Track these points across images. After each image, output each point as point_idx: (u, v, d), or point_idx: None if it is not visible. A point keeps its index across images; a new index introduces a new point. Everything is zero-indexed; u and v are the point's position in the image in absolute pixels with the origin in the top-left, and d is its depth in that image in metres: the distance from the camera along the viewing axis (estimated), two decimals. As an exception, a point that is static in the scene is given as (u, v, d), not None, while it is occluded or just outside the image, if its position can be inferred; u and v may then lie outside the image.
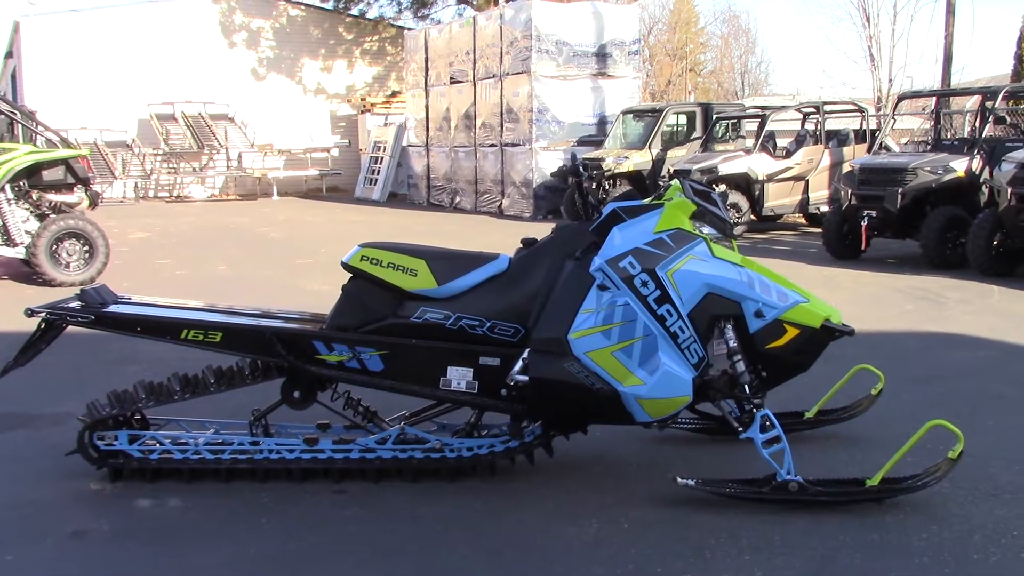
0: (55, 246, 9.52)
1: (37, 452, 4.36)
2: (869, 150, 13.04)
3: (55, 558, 3.31)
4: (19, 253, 9.55)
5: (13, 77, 26.68)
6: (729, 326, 3.67)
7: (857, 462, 4.12)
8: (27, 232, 9.56)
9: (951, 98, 14.37)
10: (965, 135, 12.26)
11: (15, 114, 10.42)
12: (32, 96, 22.75)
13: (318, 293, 8.52)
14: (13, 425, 4.83)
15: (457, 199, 20.80)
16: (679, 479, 3.66)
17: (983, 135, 10.78)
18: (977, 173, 10.38)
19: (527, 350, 3.72)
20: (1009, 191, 9.16)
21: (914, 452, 3.68)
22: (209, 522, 3.60)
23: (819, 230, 12.37)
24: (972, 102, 13.79)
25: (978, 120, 11.55)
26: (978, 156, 10.41)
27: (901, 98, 13.39)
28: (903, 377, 5.55)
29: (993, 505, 3.67)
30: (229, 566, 3.24)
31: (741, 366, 3.68)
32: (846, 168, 12.61)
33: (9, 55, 27.76)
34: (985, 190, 10.32)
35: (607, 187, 15.39)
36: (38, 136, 10.60)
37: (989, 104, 11.13)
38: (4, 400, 5.17)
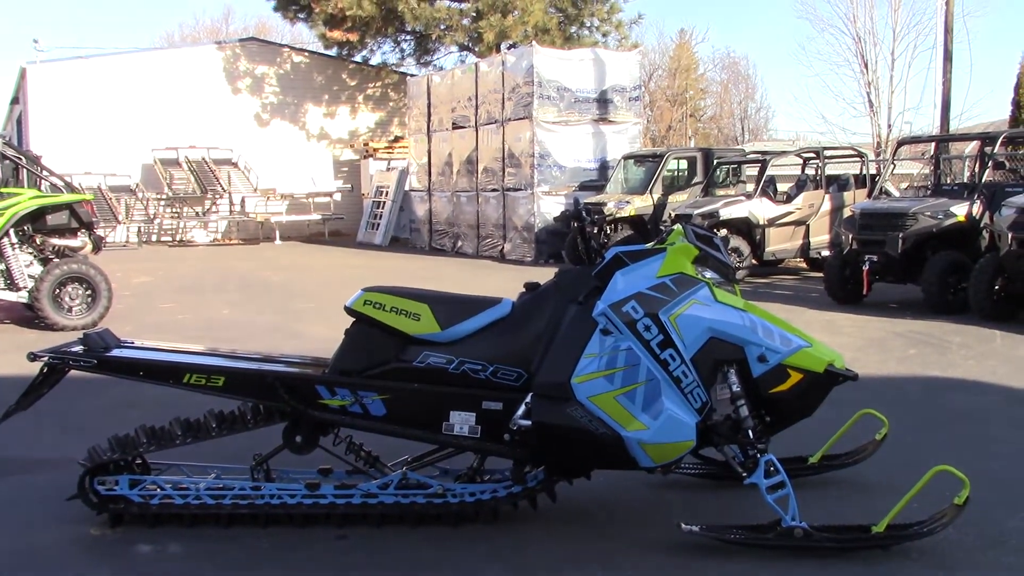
0: (58, 290, 9.53)
1: (38, 497, 4.34)
2: (869, 195, 13.09)
3: (54, 605, 3.28)
4: (22, 297, 9.57)
5: (19, 122, 26.90)
6: (732, 371, 3.67)
7: (862, 508, 4.09)
8: (30, 276, 9.57)
9: (950, 143, 14.47)
10: (965, 180, 12.32)
11: (20, 159, 10.49)
12: (37, 141, 22.91)
13: (320, 337, 8.50)
14: (14, 470, 4.81)
15: (459, 243, 20.87)
16: (683, 525, 3.63)
17: (983, 180, 10.84)
18: (977, 218, 10.42)
19: (530, 395, 3.70)
20: (1010, 236, 9.18)
21: (920, 498, 3.65)
22: (209, 569, 3.57)
23: (820, 275, 12.39)
24: (971, 147, 13.90)
25: (977, 165, 11.63)
26: (978, 201, 10.45)
27: (901, 143, 13.48)
28: (907, 422, 5.52)
29: (1000, 552, 3.64)
30: (229, 613, 3.21)
31: (745, 411, 3.66)
32: (847, 213, 12.67)
33: (15, 101, 28.01)
34: (986, 235, 10.35)
35: (609, 232, 15.45)
36: (43, 181, 10.66)
37: (988, 149, 11.20)
38: (5, 445, 5.15)
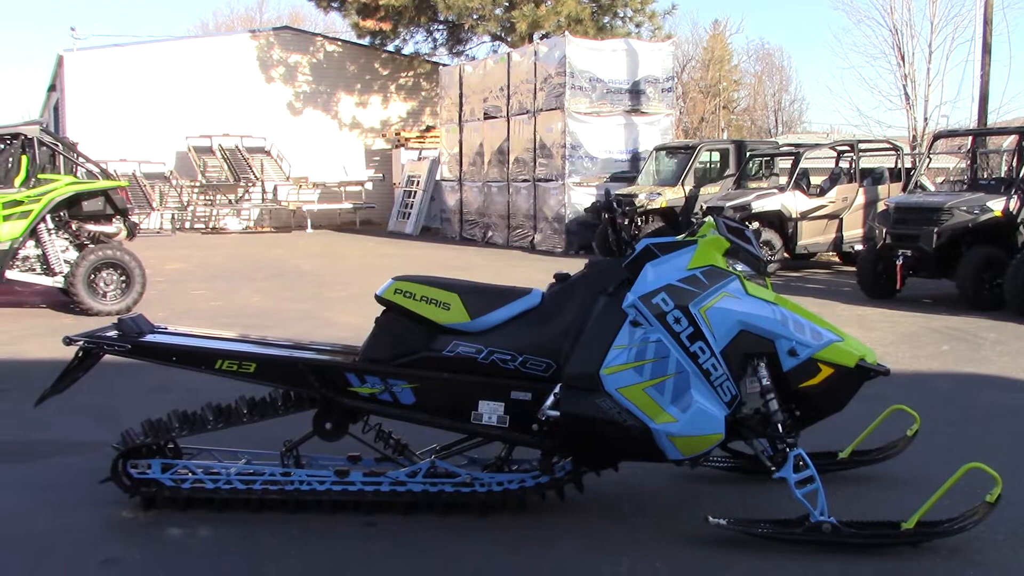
0: (93, 276, 9.65)
1: (71, 479, 4.40)
2: (904, 189, 12.96)
3: (87, 585, 3.33)
4: (58, 282, 9.70)
5: (56, 109, 27.22)
6: (762, 364, 3.65)
7: (892, 504, 4.06)
8: (66, 262, 9.70)
9: (987, 137, 14.27)
10: (1002, 175, 12.16)
11: (57, 146, 10.60)
12: (73, 128, 23.16)
13: (351, 325, 8.55)
14: (49, 452, 4.88)
15: (489, 233, 20.88)
16: (711, 518, 3.63)
17: (1020, 175, 10.68)
18: (1014, 213, 10.27)
19: (559, 385, 3.71)
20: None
21: (950, 495, 3.62)
22: (239, 553, 3.60)
23: (853, 269, 12.29)
24: (1009, 141, 13.70)
25: (1015, 160, 11.45)
26: (1015, 196, 10.30)
27: (937, 137, 13.31)
28: (939, 418, 5.47)
29: (1032, 551, 3.60)
30: (258, 597, 3.24)
31: (774, 404, 3.65)
32: (881, 207, 12.53)
33: (52, 88, 28.33)
34: (1022, 230, 10.21)
35: (640, 223, 15.39)
36: (79, 167, 10.78)
37: (1026, 144, 11.02)
38: (40, 427, 5.23)
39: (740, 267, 3.81)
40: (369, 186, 26.31)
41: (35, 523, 3.90)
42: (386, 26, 26.26)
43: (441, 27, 27.43)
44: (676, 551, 3.61)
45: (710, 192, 15.56)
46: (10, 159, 9.81)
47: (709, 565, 3.48)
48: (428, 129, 26.53)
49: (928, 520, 3.59)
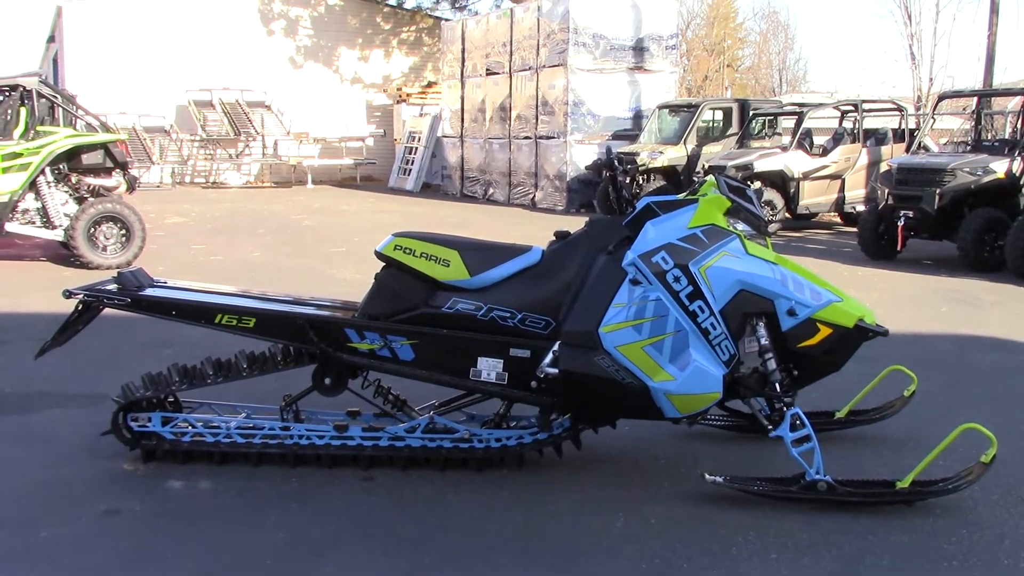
0: (93, 229, 9.63)
1: (72, 431, 4.43)
2: (907, 150, 12.89)
3: (87, 536, 3.37)
4: (58, 235, 9.69)
5: (55, 61, 26.99)
6: (761, 324, 3.66)
7: (888, 463, 4.09)
8: (66, 215, 9.69)
9: (992, 98, 14.18)
10: (1006, 136, 12.09)
11: (56, 98, 10.53)
12: (73, 80, 22.96)
13: (350, 281, 8.56)
14: (49, 404, 4.90)
15: (490, 191, 20.80)
16: (707, 476, 3.65)
17: (1024, 136, 10.62)
18: (1017, 175, 10.23)
19: (558, 343, 3.72)
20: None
21: (946, 455, 3.64)
22: (238, 505, 3.63)
23: (854, 229, 12.26)
24: (1014, 103, 13.60)
25: (1020, 121, 11.39)
26: (1019, 158, 10.26)
27: (941, 97, 13.22)
28: (936, 379, 5.49)
29: (1025, 511, 3.63)
30: (257, 549, 3.28)
31: (772, 364, 3.66)
32: (884, 167, 12.48)
33: (51, 39, 28.08)
34: (1025, 192, 10.17)
35: (641, 182, 15.34)
36: (78, 120, 10.71)
37: (1032, 105, 10.96)
38: (41, 380, 5.25)
39: (741, 226, 3.80)
40: (370, 142, 26.13)
41: (36, 474, 3.93)
42: (388, -21, 25.97)
43: (444, -19, 27.15)
44: (672, 508, 3.64)
45: (712, 151, 15.47)
46: (9, 111, 9.75)
47: (704, 522, 3.51)
48: (430, 85, 26.32)
49: (923, 479, 3.62)
